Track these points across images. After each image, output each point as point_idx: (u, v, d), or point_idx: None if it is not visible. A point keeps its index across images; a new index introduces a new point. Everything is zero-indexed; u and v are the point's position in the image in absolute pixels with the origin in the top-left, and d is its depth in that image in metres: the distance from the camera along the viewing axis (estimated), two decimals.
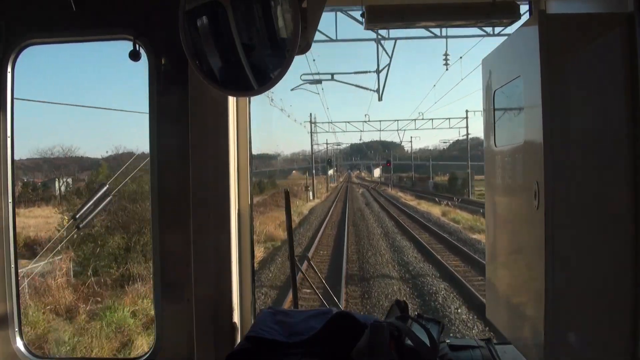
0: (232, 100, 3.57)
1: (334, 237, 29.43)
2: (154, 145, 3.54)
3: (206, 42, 2.91)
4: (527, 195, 2.99)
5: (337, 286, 16.98)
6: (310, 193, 64.61)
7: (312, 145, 76.90)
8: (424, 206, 50.88)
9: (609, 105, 2.87)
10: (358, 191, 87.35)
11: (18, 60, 3.59)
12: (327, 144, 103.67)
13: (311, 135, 75.31)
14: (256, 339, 2.87)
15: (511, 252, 3.51)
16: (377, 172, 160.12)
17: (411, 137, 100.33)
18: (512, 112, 3.45)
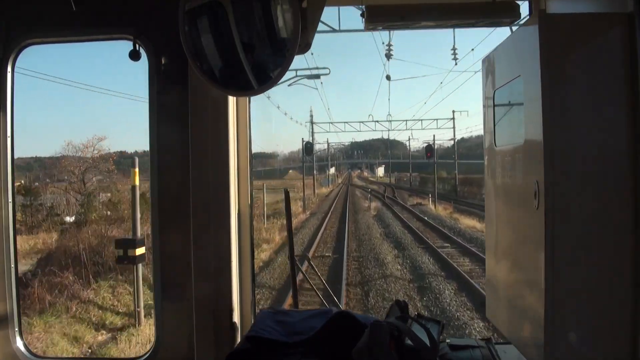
0: (232, 100, 3.56)
1: None
2: (154, 145, 3.54)
3: (206, 42, 2.91)
4: (527, 195, 2.99)
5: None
6: None
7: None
8: None
9: (609, 104, 2.87)
10: (367, 207, 47.49)
11: (18, 60, 3.60)
12: (311, 121, 63.39)
13: None
14: (256, 339, 2.87)
15: (511, 252, 3.51)
16: (380, 172, 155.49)
17: (453, 112, 64.16)
18: (512, 112, 3.45)
